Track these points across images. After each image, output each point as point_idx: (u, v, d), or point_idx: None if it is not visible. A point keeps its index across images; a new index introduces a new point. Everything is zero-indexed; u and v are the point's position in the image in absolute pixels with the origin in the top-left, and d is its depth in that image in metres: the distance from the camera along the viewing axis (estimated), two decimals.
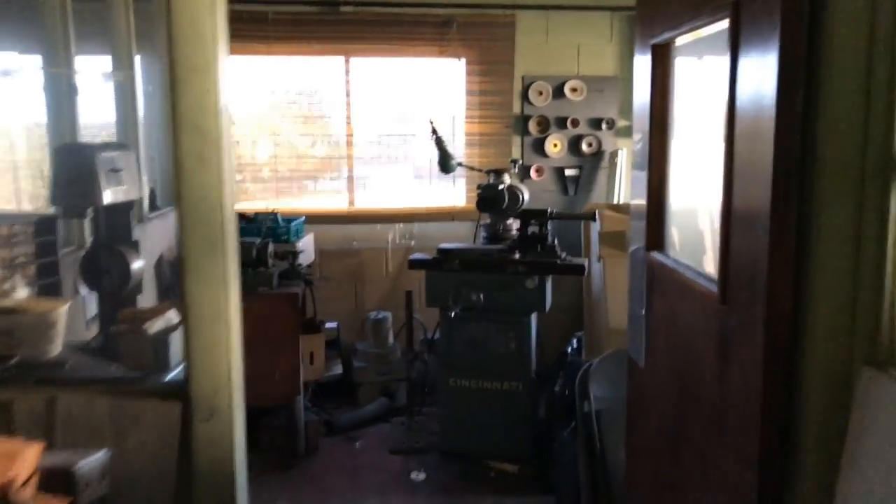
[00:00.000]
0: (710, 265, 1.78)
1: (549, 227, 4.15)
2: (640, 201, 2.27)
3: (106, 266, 2.50)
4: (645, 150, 2.17)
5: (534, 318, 4.13)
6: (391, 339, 5.11)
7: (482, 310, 4.04)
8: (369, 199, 5.38)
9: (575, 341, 4.47)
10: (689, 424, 1.80)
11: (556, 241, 4.17)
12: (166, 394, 2.09)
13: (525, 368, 4.11)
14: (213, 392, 2.10)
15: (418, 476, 4.03)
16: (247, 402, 4.10)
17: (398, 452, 4.31)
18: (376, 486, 3.95)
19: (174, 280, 4.14)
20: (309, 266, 4.84)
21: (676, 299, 1.92)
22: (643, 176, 2.19)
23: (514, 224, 4.45)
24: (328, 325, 5.14)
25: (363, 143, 5.36)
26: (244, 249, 4.14)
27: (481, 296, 4.03)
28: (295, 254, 4.31)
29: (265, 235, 4.48)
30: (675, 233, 2.11)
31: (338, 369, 5.17)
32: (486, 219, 4.60)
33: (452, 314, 4.00)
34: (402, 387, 4.83)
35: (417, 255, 4.31)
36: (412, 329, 4.50)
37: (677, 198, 2.09)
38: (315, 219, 5.16)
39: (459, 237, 5.28)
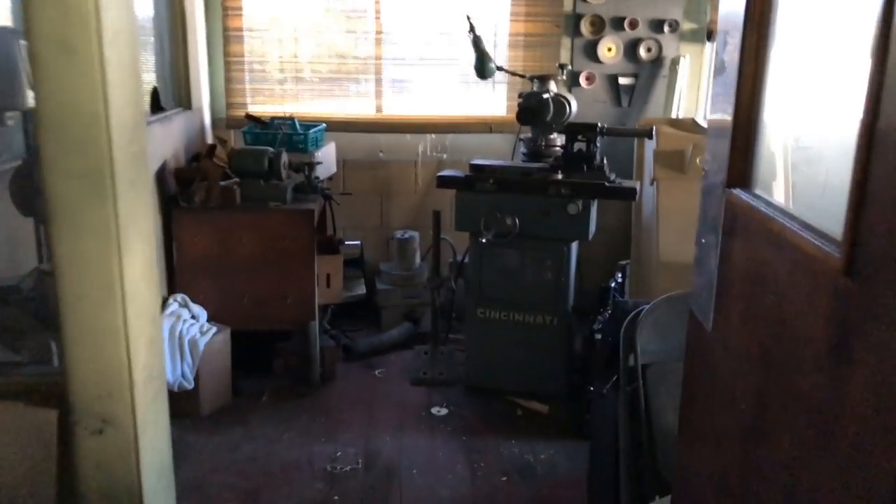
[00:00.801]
0: (827, 217, 1.30)
1: (597, 144, 3.64)
2: (723, 117, 1.75)
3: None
4: (733, 51, 1.65)
5: (574, 246, 3.68)
6: (418, 260, 4.72)
7: (517, 236, 3.59)
8: (400, 106, 4.88)
9: (619, 274, 4.03)
10: (776, 424, 1.38)
11: (605, 161, 3.67)
12: (36, 394, 1.54)
13: (561, 302, 3.70)
14: (104, 395, 1.54)
15: (440, 411, 3.70)
16: (256, 324, 3.80)
17: (420, 383, 3.98)
18: (394, 419, 3.64)
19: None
20: (330, 179, 4.42)
21: (768, 256, 1.47)
22: (729, 84, 1.68)
23: (558, 139, 3.94)
24: (350, 243, 4.76)
25: (401, 42, 4.80)
26: (254, 159, 3.73)
27: (517, 220, 3.58)
28: (312, 165, 3.88)
29: (280, 143, 4.05)
30: (770, 166, 1.62)
31: (360, 290, 4.82)
32: (526, 132, 4.09)
33: (484, 240, 3.56)
34: (428, 312, 4.47)
35: (447, 172, 3.84)
36: (439, 252, 4.09)
37: (777, 119, 1.60)
38: (339, 126, 4.70)
39: (497, 152, 4.79)
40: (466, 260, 3.87)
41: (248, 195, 3.76)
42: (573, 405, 3.68)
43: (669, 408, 2.38)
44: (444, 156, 4.87)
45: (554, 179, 3.59)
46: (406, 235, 4.66)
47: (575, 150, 3.67)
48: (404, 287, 4.60)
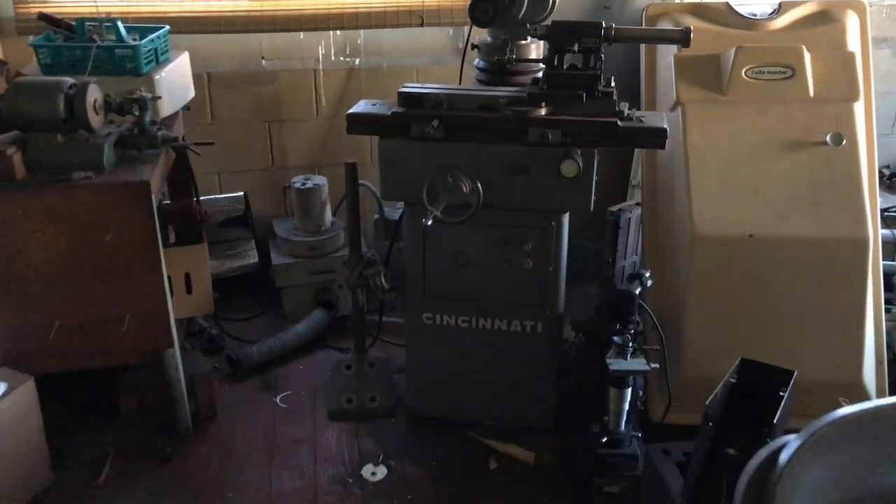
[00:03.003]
0: None
1: (602, 57, 2.28)
2: None
3: None
4: None
5: (566, 220, 2.39)
6: (328, 217, 3.34)
7: (480, 208, 2.27)
8: None
9: (636, 259, 2.79)
10: None
11: (613, 84, 2.33)
12: None
13: (549, 301, 2.45)
14: None
15: (374, 474, 2.49)
16: (77, 363, 2.43)
17: (343, 417, 2.74)
18: (305, 494, 2.41)
19: None
20: (187, 109, 2.92)
21: None
22: None
23: (534, 48, 2.56)
24: (226, 196, 3.36)
25: None
26: (41, 98, 2.25)
27: (478, 186, 2.24)
28: (143, 101, 2.38)
29: (94, 65, 2.53)
30: None
31: (250, 258, 3.46)
32: (483, 35, 2.68)
33: (428, 221, 2.23)
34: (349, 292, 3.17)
35: (362, 106, 2.42)
36: (359, 223, 2.74)
37: None
38: (193, 25, 3.14)
39: (435, 55, 3.37)
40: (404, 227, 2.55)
41: (38, 162, 2.29)
42: (569, 450, 2.52)
43: None
44: (357, 61, 3.40)
45: (536, 117, 2.25)
46: (308, 183, 3.25)
47: (566, 66, 2.31)
48: (311, 258, 3.25)
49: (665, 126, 2.23)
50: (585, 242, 3.36)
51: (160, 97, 2.51)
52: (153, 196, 2.29)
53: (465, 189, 2.26)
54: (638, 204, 3.00)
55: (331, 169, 3.41)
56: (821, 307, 2.36)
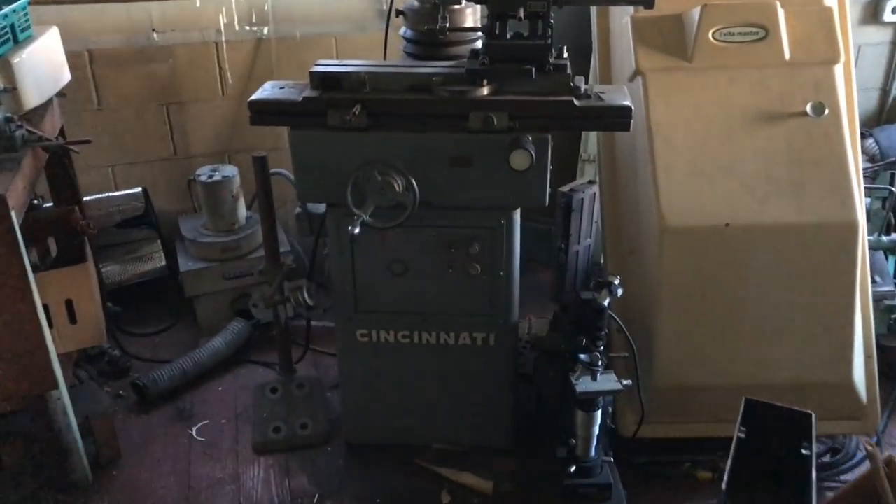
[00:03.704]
0: None
1: (552, 22, 1.92)
2: None
3: None
4: None
5: (517, 217, 2.05)
6: (243, 213, 2.93)
7: (420, 210, 1.90)
8: None
9: (590, 243, 2.47)
10: None
11: (565, 54, 1.97)
12: None
13: (502, 308, 2.12)
14: None
15: None
16: None
17: (270, 449, 2.38)
18: None
19: None
20: (62, 96, 2.45)
21: None
22: None
23: (471, 13, 2.18)
24: (122, 193, 2.92)
25: None
26: None
27: (413, 183, 1.87)
28: None
29: None
30: None
31: (157, 262, 3.04)
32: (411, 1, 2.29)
33: (355, 230, 1.85)
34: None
35: (268, 91, 2.00)
36: (275, 227, 2.35)
37: None
38: None
39: (357, 21, 2.97)
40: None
41: None
42: (531, 477, 2.22)
43: None
44: (265, 30, 2.95)
45: (478, 98, 1.88)
46: (216, 175, 2.82)
47: (509, 35, 1.94)
48: (225, 261, 2.84)
49: (629, 104, 1.89)
50: (534, 224, 3.03)
51: (15, 88, 2.04)
52: (13, 212, 1.85)
53: (397, 187, 1.88)
54: (591, 182, 2.68)
55: (243, 156, 2.99)
56: (806, 301, 2.09)
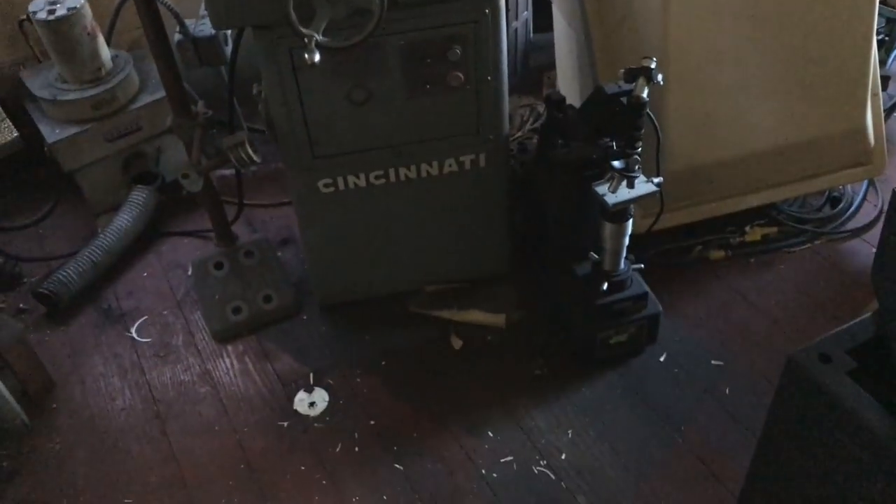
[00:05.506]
0: None
1: None
2: None
3: None
4: None
5: (502, 4, 1.61)
6: (105, 53, 2.26)
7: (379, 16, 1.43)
8: None
9: (528, 16, 2.04)
10: None
11: None
12: None
13: (491, 122, 1.74)
14: None
15: (314, 404, 1.85)
16: None
17: (233, 335, 2.01)
18: (228, 465, 1.75)
19: None
20: None
21: None
22: None
23: None
24: None
25: None
26: None
27: None
28: None
29: None
30: None
31: (5, 134, 2.41)
32: None
33: (315, 56, 1.36)
34: (175, 151, 2.28)
35: None
36: (170, 54, 1.78)
37: None
38: None
39: None
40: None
41: None
42: (547, 300, 1.98)
43: None
44: None
45: None
46: (58, 8, 2.11)
47: None
48: (101, 120, 2.23)
49: None
50: None
51: None
52: None
53: None
54: None
55: None
56: (824, 52, 1.84)
